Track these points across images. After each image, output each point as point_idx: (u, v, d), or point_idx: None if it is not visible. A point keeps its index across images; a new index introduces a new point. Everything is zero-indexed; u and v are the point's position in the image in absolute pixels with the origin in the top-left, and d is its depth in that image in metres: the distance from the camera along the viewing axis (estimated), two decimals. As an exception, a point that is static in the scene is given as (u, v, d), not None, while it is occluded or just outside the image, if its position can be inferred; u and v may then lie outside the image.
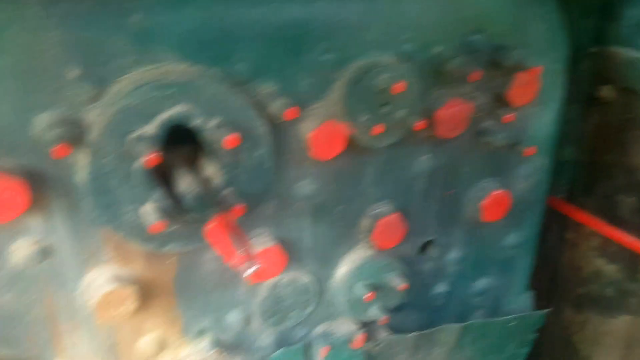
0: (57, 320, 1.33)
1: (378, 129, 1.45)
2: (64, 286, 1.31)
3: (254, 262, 1.11)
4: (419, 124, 1.49)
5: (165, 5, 1.16)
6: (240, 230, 1.22)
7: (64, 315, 1.33)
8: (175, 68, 1.19)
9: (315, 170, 1.49)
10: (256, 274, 1.10)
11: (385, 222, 1.62)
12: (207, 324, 1.54)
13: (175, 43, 1.19)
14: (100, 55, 1.15)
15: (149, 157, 1.14)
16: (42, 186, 1.19)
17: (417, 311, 1.89)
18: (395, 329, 1.84)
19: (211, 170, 1.33)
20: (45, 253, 1.25)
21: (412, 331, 1.85)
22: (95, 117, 1.17)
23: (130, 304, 1.34)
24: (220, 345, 1.56)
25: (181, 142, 1.33)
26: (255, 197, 1.38)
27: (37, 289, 1.28)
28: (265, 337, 1.64)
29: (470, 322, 1.90)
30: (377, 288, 1.68)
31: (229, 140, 1.20)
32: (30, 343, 1.32)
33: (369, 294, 1.63)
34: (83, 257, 1.30)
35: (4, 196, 1.12)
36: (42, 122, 1.14)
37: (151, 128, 1.19)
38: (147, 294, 1.40)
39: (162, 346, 1.50)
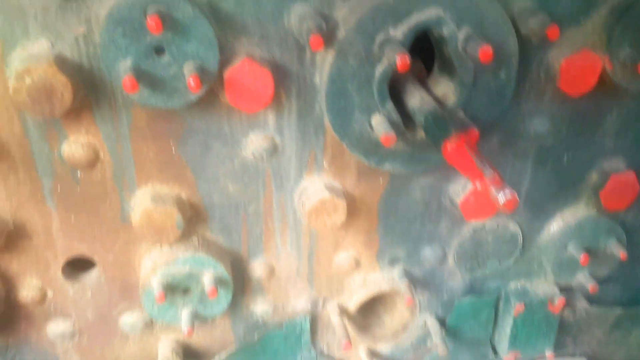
0: (271, 218, 1.36)
1: (642, 67, 1.24)
2: (283, 186, 1.32)
3: (504, 187, 1.00)
4: (692, 68, 1.25)
5: None
6: (481, 153, 1.11)
7: (277, 215, 1.35)
8: None
9: (553, 106, 1.33)
10: (509, 202, 0.98)
11: (618, 179, 1.42)
12: (401, 254, 1.49)
13: None
14: None
15: (400, 59, 1.06)
16: (284, 81, 1.18)
17: (621, 286, 1.67)
18: (593, 300, 1.65)
19: (446, 88, 1.23)
20: (273, 150, 1.26)
21: (610, 306, 1.65)
22: (346, 14, 1.13)
23: (340, 215, 1.31)
24: (410, 277, 1.50)
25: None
26: (484, 125, 1.26)
27: (261, 183, 1.30)
28: (456, 280, 1.55)
29: None
30: (592, 252, 1.49)
31: (483, 51, 1.08)
32: (244, 235, 1.37)
33: (584, 257, 1.46)
34: (304, 161, 1.30)
35: (256, 85, 1.12)
36: (296, 13, 1.12)
37: (400, 31, 1.11)
38: (352, 210, 1.37)
39: (356, 265, 1.48)
